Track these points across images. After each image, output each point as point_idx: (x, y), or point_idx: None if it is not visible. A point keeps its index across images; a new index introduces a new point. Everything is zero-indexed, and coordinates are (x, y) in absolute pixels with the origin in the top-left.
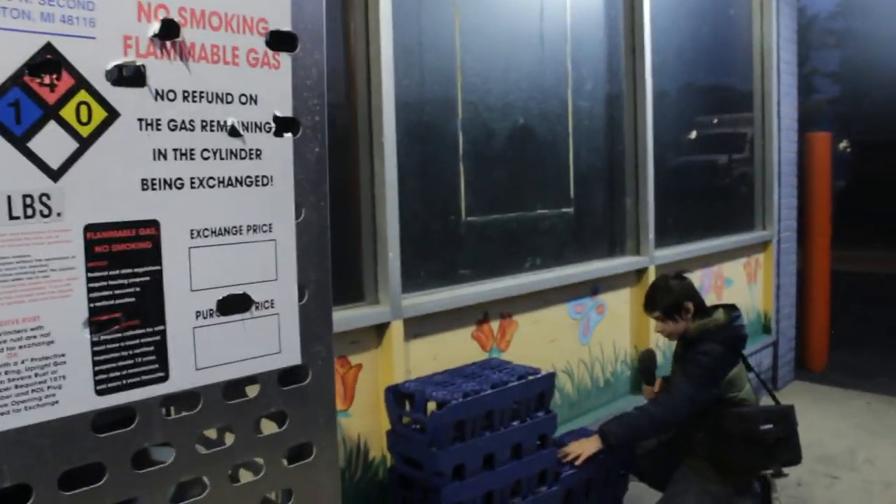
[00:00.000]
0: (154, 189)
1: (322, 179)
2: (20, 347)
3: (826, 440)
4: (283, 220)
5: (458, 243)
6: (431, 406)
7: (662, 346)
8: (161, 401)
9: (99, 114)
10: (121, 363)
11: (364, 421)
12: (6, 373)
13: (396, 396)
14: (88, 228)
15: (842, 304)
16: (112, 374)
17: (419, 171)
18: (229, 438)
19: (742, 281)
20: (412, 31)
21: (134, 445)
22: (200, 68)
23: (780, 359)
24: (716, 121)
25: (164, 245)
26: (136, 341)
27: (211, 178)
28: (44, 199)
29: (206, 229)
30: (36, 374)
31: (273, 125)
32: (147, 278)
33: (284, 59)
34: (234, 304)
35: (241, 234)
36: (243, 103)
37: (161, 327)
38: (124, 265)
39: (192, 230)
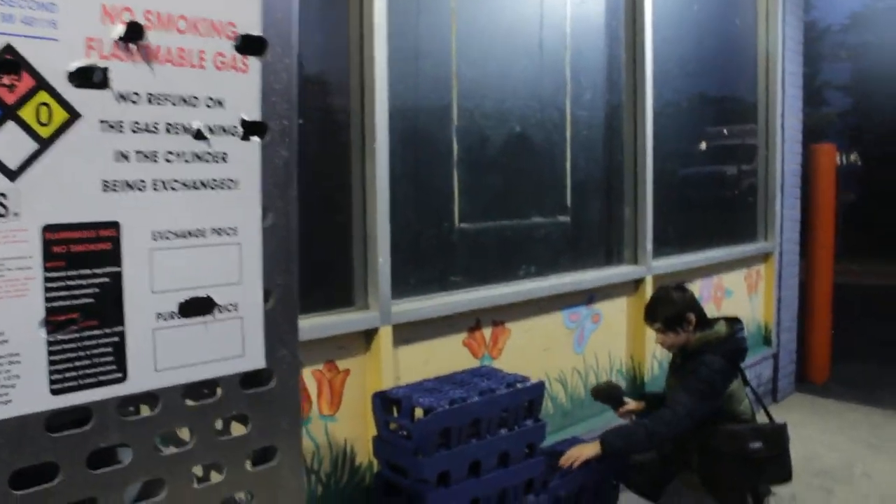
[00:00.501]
0: (115, 191)
1: (290, 184)
2: None
3: (823, 453)
4: (248, 223)
5: (450, 250)
6: (418, 413)
7: (660, 356)
8: (119, 402)
9: (60, 115)
10: (77, 363)
11: (351, 426)
12: None
13: (383, 402)
14: (47, 229)
15: (847, 317)
16: (68, 374)
17: (412, 176)
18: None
19: (742, 292)
20: (408, 36)
21: (90, 445)
22: (166, 71)
23: (780, 371)
24: (719, 131)
25: (124, 247)
26: (94, 342)
27: (175, 180)
28: (1, 198)
29: (168, 232)
30: None
31: (240, 129)
32: (106, 279)
33: (253, 63)
34: (197, 307)
35: (204, 236)
36: (209, 106)
37: (120, 328)
38: (83, 266)
39: (153, 232)
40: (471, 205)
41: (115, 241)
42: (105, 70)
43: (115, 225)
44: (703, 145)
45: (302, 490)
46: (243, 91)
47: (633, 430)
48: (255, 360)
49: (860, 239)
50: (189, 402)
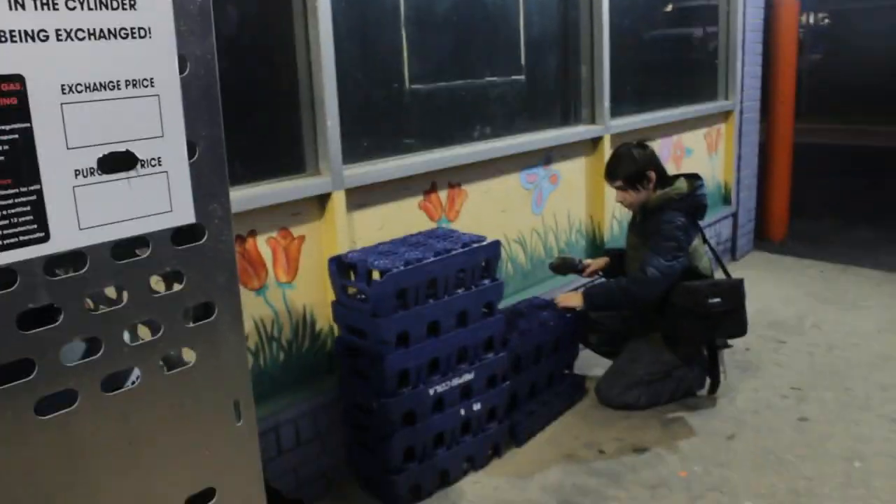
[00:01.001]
0: (14, 41)
1: (208, 31)
2: None
3: (778, 307)
4: (165, 74)
5: (402, 112)
6: (375, 275)
7: (619, 215)
8: (44, 262)
9: None
10: None
11: (309, 292)
12: None
13: (339, 267)
14: None
15: (807, 175)
16: None
17: (357, 36)
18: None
19: (702, 151)
20: None
21: (17, 307)
22: None
23: (739, 229)
24: None
25: (31, 101)
26: (10, 201)
27: (79, 29)
28: None
29: (78, 85)
30: None
31: None
32: (16, 136)
33: None
34: (117, 162)
35: (119, 89)
36: None
37: (36, 186)
38: None
39: (62, 85)
40: (421, 65)
41: (22, 96)
42: None
43: (19, 78)
44: (664, 2)
45: (243, 344)
46: None
47: (614, 291)
48: (185, 215)
49: (824, 99)
50: (119, 261)
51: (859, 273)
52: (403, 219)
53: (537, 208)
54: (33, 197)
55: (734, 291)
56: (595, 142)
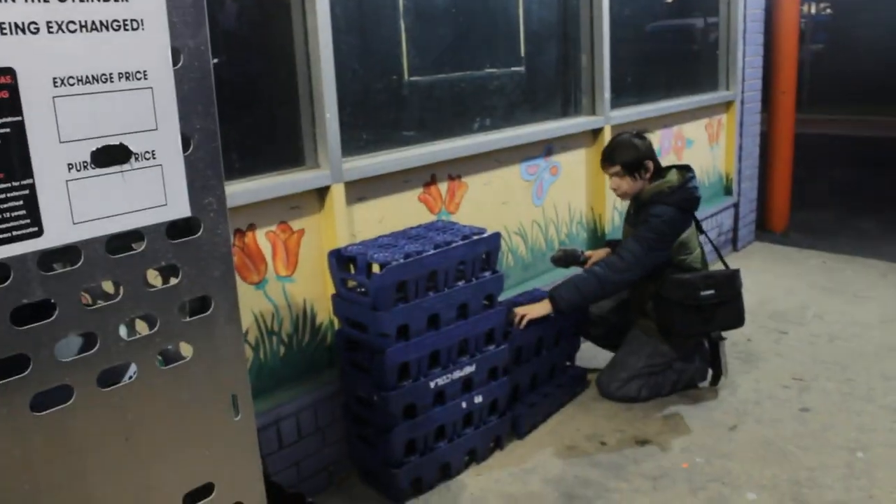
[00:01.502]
0: (4, 34)
1: (201, 22)
2: None
3: (779, 298)
4: (158, 66)
5: (401, 104)
6: (375, 268)
7: (620, 206)
8: (38, 257)
9: None
10: None
11: (309, 286)
12: None
13: (339, 260)
14: None
15: (809, 165)
16: None
17: (356, 28)
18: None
19: (703, 142)
20: None
21: (11, 302)
22: None
23: (741, 220)
24: None
25: (23, 95)
26: (3, 196)
27: (71, 21)
28: None
29: (70, 77)
30: None
31: None
32: (7, 130)
33: None
34: (111, 156)
35: (111, 82)
36: None
37: (29, 181)
38: None
39: (54, 78)
40: (420, 56)
41: (13, 89)
42: None
43: (10, 71)
44: None
45: (240, 338)
46: None
47: (584, 279)
48: (180, 208)
49: (826, 89)
50: (114, 256)
51: (861, 263)
52: (403, 211)
53: (538, 200)
54: (26, 191)
55: (729, 282)
56: (595, 133)
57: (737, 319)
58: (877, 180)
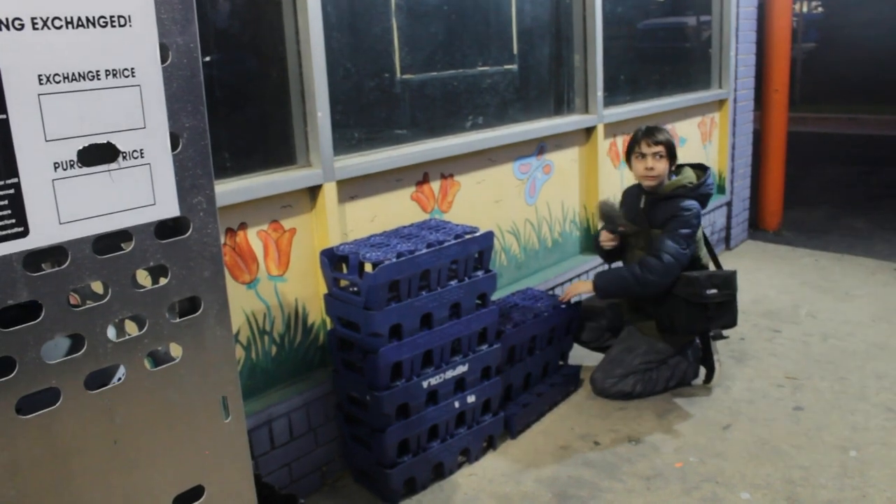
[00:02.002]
0: None
1: (190, 19)
2: None
3: (773, 296)
4: (146, 63)
5: (393, 103)
6: (367, 268)
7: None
8: (23, 257)
9: None
10: None
11: (301, 285)
12: None
13: (331, 259)
14: None
15: (801, 164)
16: None
17: (348, 26)
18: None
19: (696, 140)
20: None
21: None
22: None
23: (733, 219)
24: None
25: (7, 92)
26: None
27: (56, 17)
28: None
29: (56, 75)
30: None
31: None
32: None
33: None
34: (98, 154)
35: (98, 79)
36: None
37: (14, 180)
38: None
39: (39, 76)
40: (412, 55)
41: None
42: None
43: None
44: None
45: (230, 338)
46: None
47: (626, 278)
48: (168, 207)
49: (818, 87)
50: (102, 256)
51: (854, 262)
52: (396, 210)
53: (531, 198)
54: (11, 191)
55: (729, 282)
56: (588, 131)
57: (733, 319)
58: (869, 179)
